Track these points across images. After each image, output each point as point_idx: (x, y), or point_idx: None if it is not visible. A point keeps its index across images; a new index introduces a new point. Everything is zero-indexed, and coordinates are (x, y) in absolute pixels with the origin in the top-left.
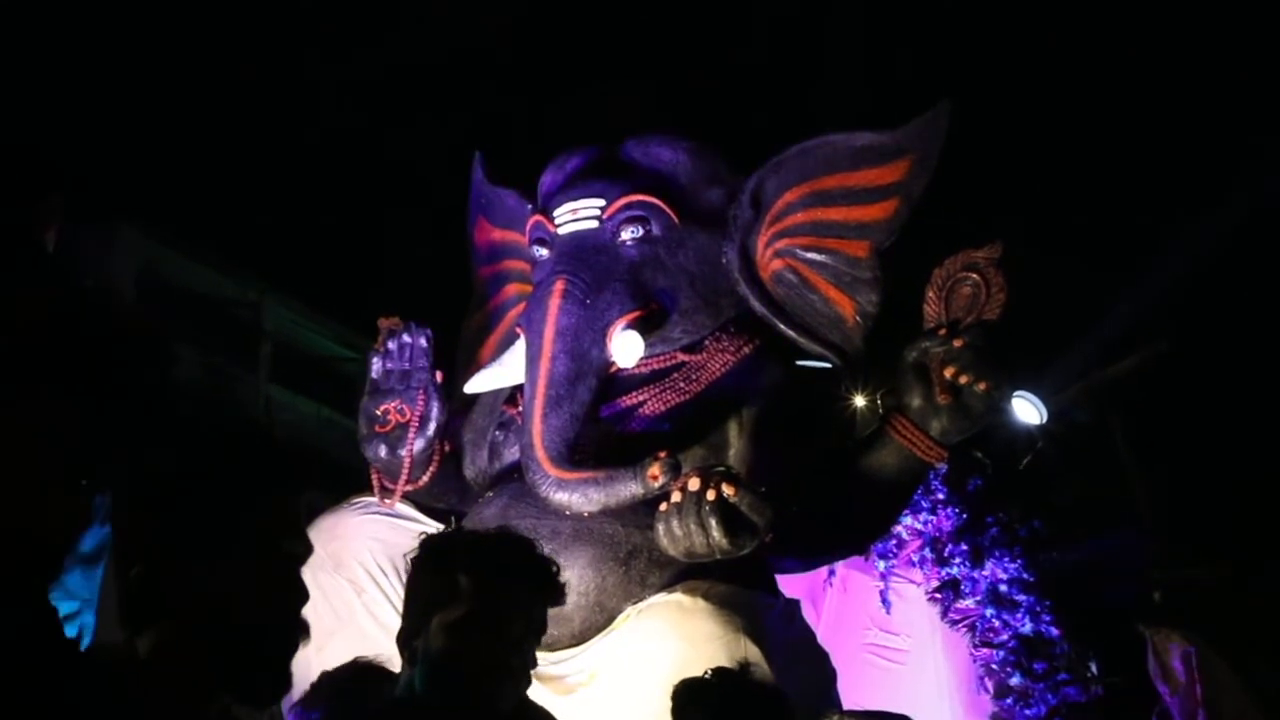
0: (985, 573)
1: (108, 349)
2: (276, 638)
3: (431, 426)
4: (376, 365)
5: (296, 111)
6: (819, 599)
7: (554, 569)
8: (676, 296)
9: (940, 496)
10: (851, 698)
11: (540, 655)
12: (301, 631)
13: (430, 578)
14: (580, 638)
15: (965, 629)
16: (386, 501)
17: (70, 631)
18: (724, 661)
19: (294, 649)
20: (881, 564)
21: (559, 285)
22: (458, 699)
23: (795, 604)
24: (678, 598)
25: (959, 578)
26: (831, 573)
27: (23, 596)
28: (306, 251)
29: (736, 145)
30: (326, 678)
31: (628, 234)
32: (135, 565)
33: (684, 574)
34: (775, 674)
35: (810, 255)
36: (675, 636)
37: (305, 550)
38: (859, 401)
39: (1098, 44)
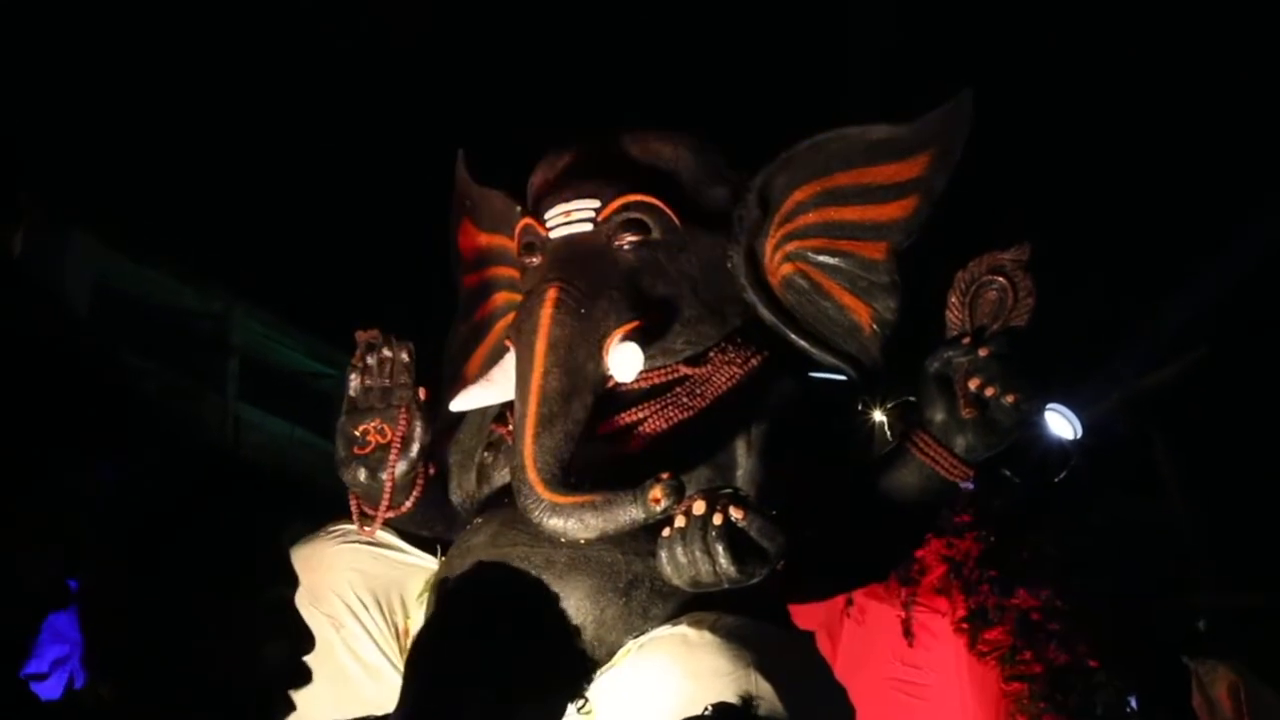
0: (1015, 600)
1: (61, 366)
2: (255, 696)
3: (414, 448)
4: (354, 382)
5: (265, 109)
6: (836, 630)
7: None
8: (678, 305)
9: (966, 519)
10: None
11: None
12: (300, 677)
13: None
14: None
15: (994, 661)
16: (366, 529)
17: (60, 678)
18: (733, 700)
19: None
20: (903, 592)
21: (551, 294)
22: None
23: (810, 636)
24: (682, 630)
25: (987, 606)
26: (849, 602)
27: None
28: (277, 259)
29: (742, 139)
30: None
31: (625, 238)
32: (104, 606)
33: (689, 605)
34: (789, 712)
35: (823, 258)
36: (680, 673)
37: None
38: (877, 416)
39: (1139, 37)
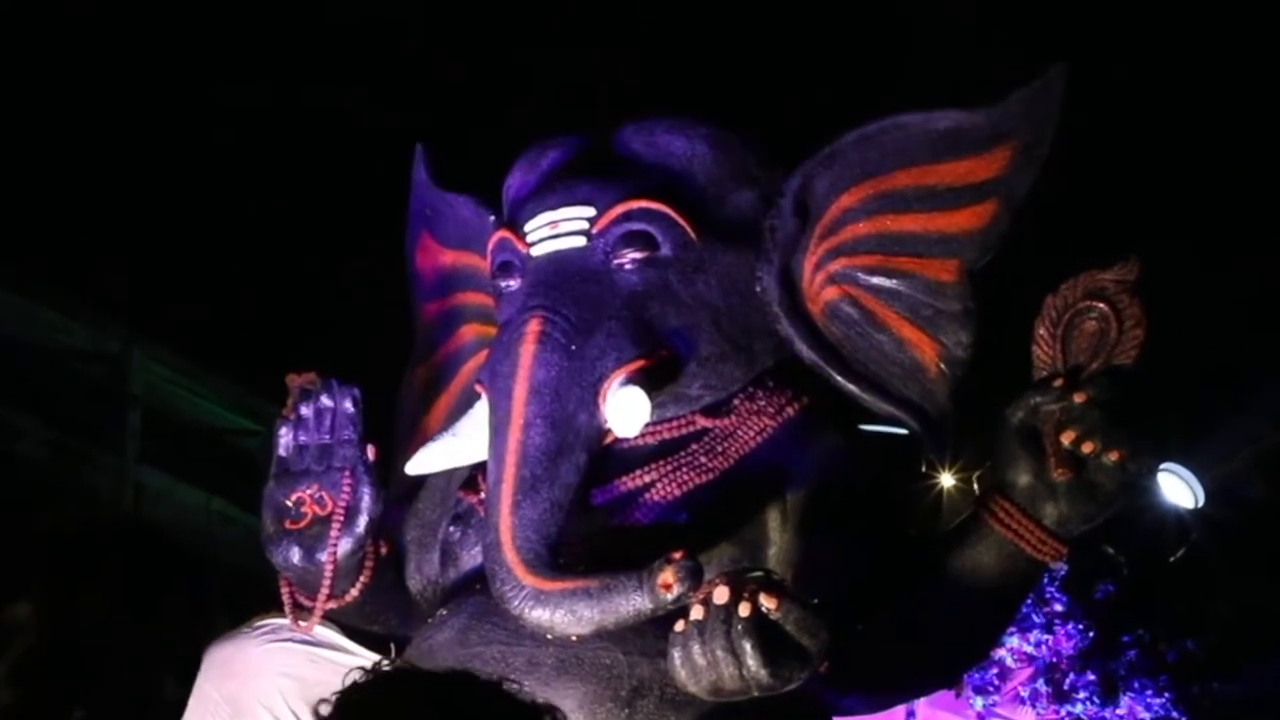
0: (1121, 710)
1: None
2: None
3: (361, 521)
4: (286, 439)
5: (169, 113)
6: None
7: None
8: (694, 340)
9: (1058, 609)
10: None
11: None
12: None
13: None
14: None
15: None
16: (302, 624)
17: None
18: None
19: None
20: (979, 701)
21: (533, 326)
22: None
23: None
24: None
25: (1085, 718)
26: (911, 714)
27: None
28: (186, 290)
29: (774, 130)
30: None
31: (627, 255)
32: None
33: (708, 718)
34: None
35: (877, 281)
36: None
37: None
38: (945, 480)
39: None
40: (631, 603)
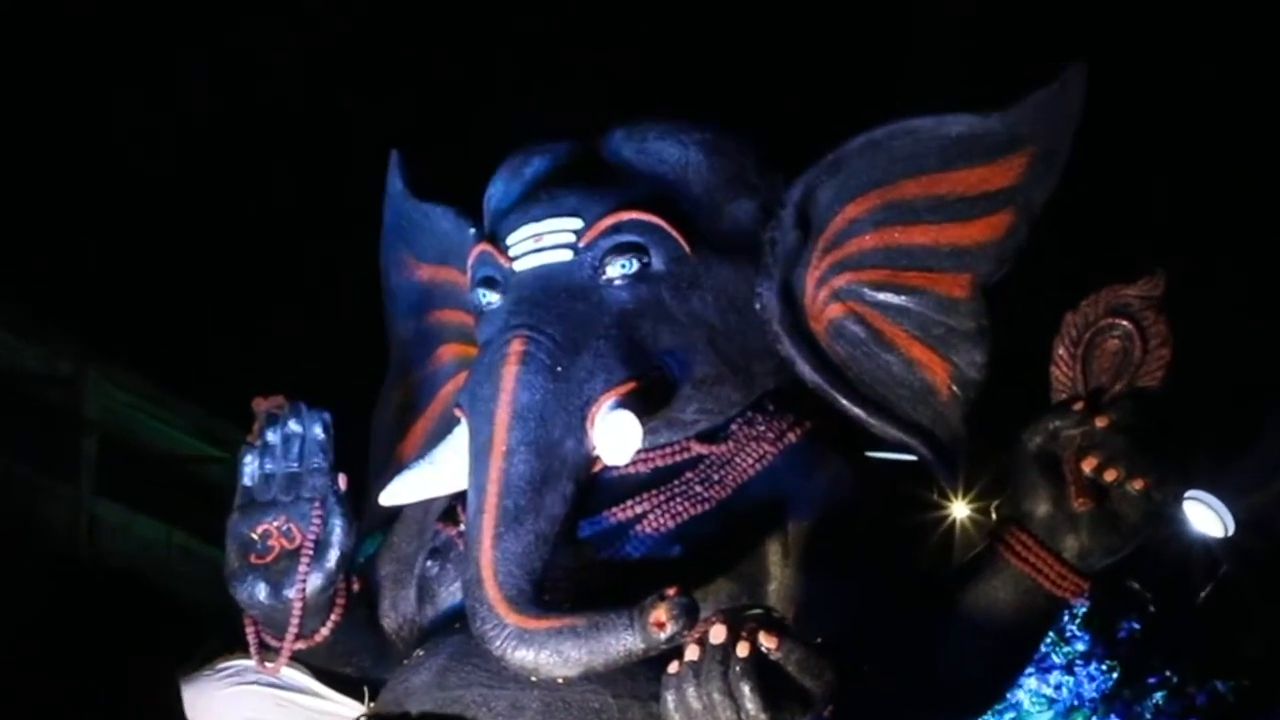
0: None
1: None
2: None
3: (332, 555)
4: (251, 467)
5: (126, 124)
6: None
7: None
8: (689, 360)
9: (1079, 648)
10: None
11: None
12: None
13: None
14: None
15: None
16: (268, 666)
17: None
18: None
19: None
20: None
21: (516, 346)
22: None
23: None
24: None
25: None
26: None
27: None
28: (145, 309)
29: (774, 134)
30: None
31: (617, 269)
32: None
33: None
34: None
35: (884, 297)
36: None
37: None
38: (959, 510)
39: None
40: (622, 642)
